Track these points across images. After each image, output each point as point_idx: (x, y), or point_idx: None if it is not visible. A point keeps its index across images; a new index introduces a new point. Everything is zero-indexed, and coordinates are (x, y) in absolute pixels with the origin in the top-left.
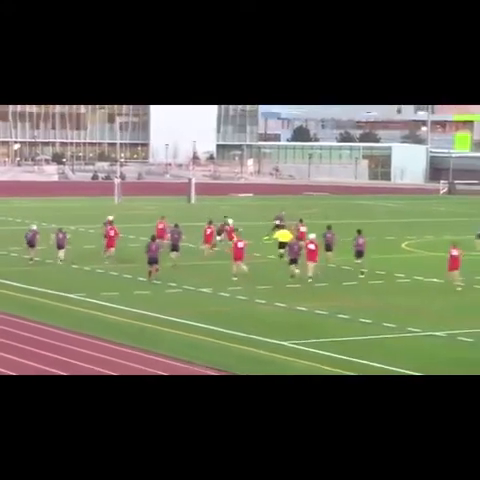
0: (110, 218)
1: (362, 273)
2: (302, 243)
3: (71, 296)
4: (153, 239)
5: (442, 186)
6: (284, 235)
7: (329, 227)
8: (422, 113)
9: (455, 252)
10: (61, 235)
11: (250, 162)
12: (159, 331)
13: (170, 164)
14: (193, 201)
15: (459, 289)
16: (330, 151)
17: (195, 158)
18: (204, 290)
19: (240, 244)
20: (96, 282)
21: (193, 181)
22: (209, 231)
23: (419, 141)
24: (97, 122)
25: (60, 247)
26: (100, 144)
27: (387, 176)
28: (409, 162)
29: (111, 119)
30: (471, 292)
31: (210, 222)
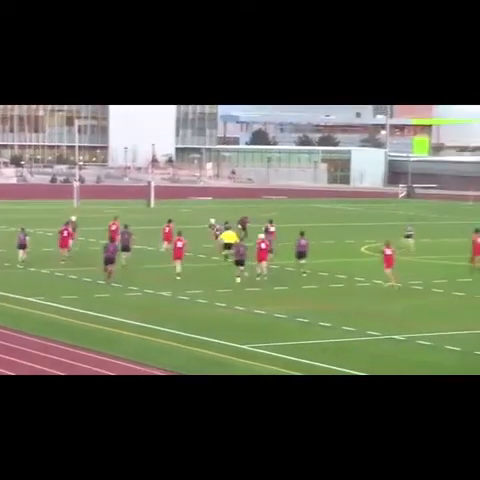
0: (72, 218)
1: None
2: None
3: (30, 299)
4: (111, 240)
5: (401, 190)
6: (229, 236)
7: (267, 229)
8: (381, 117)
9: (389, 251)
10: (22, 236)
11: (209, 165)
12: (117, 334)
13: (129, 167)
14: (152, 205)
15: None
16: (289, 155)
17: (154, 161)
18: (164, 293)
19: (179, 244)
20: (55, 285)
21: (152, 184)
22: (167, 229)
23: (378, 145)
24: (56, 125)
25: (21, 247)
26: (59, 147)
27: (346, 180)
28: (368, 166)
29: (70, 122)
30: (430, 295)
31: (169, 221)
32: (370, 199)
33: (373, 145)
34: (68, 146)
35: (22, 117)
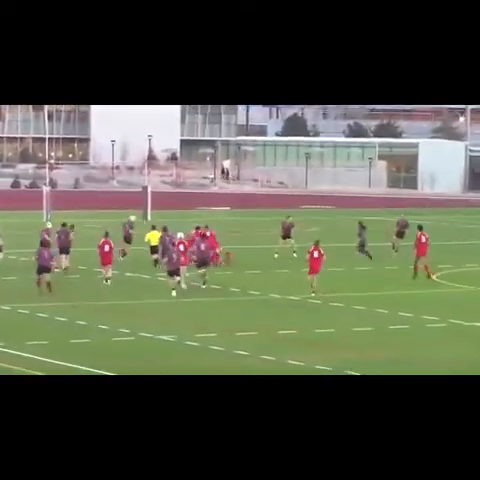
0: (132, 218)
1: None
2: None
3: None
4: (42, 244)
5: None
6: (155, 237)
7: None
8: None
9: (316, 253)
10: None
11: (226, 164)
12: None
13: (118, 167)
14: (150, 217)
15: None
16: (335, 149)
17: (151, 159)
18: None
19: (106, 247)
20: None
21: (149, 190)
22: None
23: (455, 136)
24: (19, 111)
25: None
26: (22, 139)
27: (413, 183)
28: (442, 164)
29: (37, 107)
30: None
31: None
32: (445, 209)
33: (448, 136)
34: (35, 138)
35: None
